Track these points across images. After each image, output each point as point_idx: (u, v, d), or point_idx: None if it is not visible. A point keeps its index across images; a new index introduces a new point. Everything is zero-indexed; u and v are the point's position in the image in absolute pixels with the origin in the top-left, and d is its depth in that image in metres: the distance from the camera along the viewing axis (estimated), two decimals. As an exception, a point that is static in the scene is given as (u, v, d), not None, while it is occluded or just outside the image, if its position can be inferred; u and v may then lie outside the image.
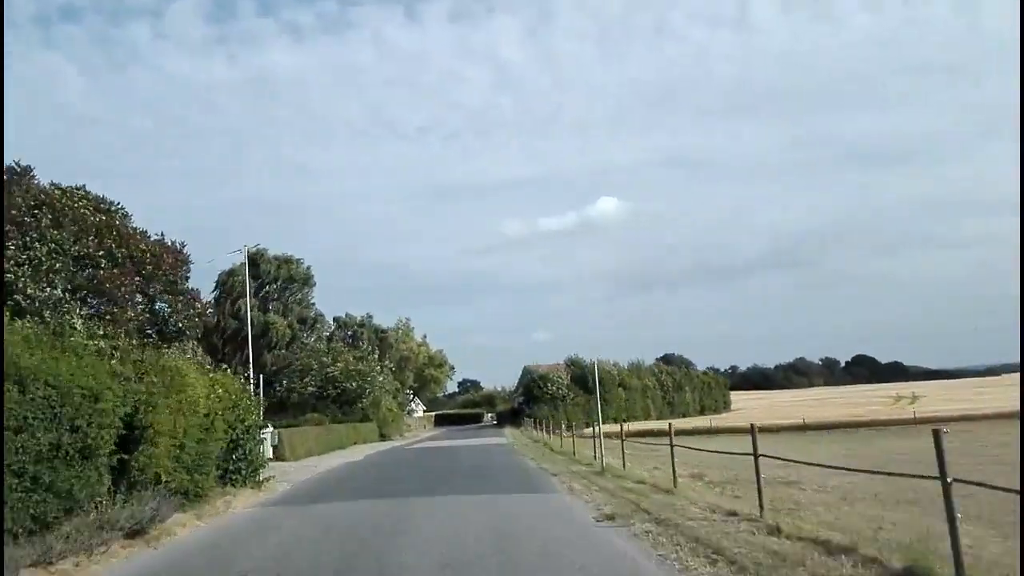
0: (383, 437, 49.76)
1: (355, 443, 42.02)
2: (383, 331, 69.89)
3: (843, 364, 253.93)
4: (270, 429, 27.14)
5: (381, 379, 51.08)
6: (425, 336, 77.88)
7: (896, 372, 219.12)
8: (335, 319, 70.03)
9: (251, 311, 54.41)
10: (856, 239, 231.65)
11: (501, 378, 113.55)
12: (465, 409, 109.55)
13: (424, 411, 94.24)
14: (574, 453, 23.89)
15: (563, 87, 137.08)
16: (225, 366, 20.55)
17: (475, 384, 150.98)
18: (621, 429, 22.09)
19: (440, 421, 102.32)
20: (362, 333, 68.19)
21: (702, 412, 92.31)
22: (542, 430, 46.53)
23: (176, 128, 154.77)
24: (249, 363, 37.98)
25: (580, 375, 71.40)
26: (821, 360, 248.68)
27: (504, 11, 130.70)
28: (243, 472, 15.47)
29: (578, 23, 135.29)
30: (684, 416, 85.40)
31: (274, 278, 55.78)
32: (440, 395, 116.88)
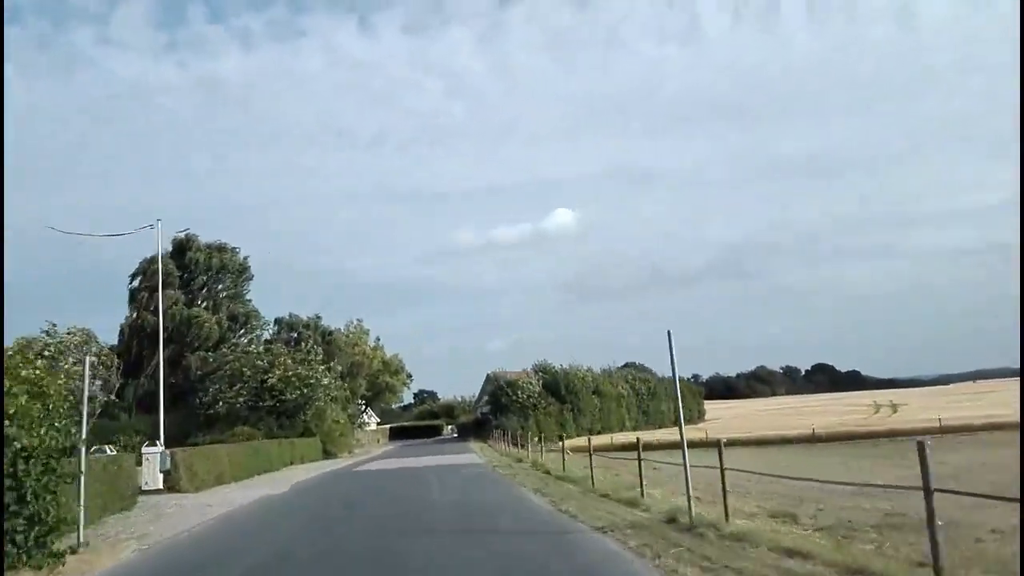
0: (328, 454, 41.91)
1: (291, 463, 34.17)
2: (331, 332, 61.89)
3: (803, 372, 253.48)
4: (158, 449, 19.42)
5: (326, 383, 43.22)
6: (379, 340, 70.06)
7: (855, 381, 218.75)
8: (277, 320, 61.87)
9: (175, 305, 45.99)
10: (796, 250, 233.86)
11: (457, 388, 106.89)
12: (423, 421, 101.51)
13: (378, 423, 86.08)
14: (592, 481, 16.75)
15: (516, 98, 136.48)
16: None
17: (432, 395, 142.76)
18: (639, 444, 15.29)
19: (396, 435, 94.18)
20: (308, 335, 60.07)
21: (675, 422, 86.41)
22: (514, 444, 39.58)
23: (120, 132, 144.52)
24: (161, 365, 29.91)
25: (551, 382, 64.57)
26: (782, 368, 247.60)
27: (458, 22, 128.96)
28: (22, 541, 7.97)
29: (530, 35, 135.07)
30: (660, 427, 79.26)
31: (204, 268, 47.52)
32: (395, 406, 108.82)
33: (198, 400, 42.64)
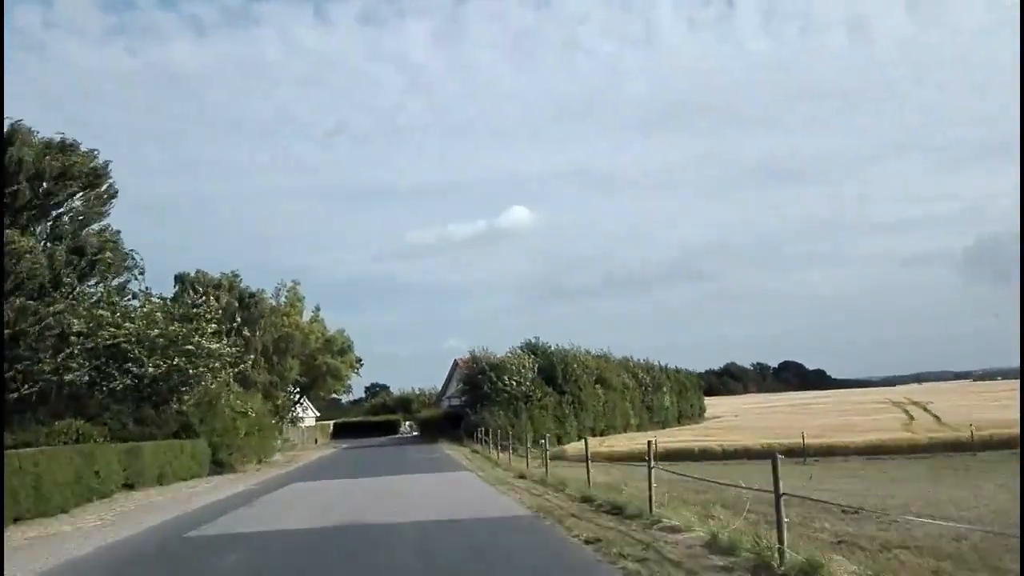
0: (220, 466, 25.56)
1: (131, 484, 17.92)
2: (252, 295, 45.27)
3: (772, 370, 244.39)
4: None
5: (217, 348, 26.66)
6: (319, 311, 53.53)
7: (822, 379, 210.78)
8: (179, 278, 44.89)
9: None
10: (753, 255, 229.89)
11: (415, 384, 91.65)
12: (375, 416, 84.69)
13: (318, 418, 69.25)
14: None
15: (475, 95, 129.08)
16: None
17: (385, 388, 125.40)
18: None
19: (341, 432, 77.55)
20: (218, 296, 43.40)
21: (679, 420, 72.06)
22: (501, 448, 24.57)
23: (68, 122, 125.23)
24: None
25: (546, 367, 49.10)
26: (752, 365, 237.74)
27: (416, 16, 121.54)
28: None
29: (489, 32, 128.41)
30: (663, 425, 64.79)
31: (34, 174, 30.35)
32: (345, 400, 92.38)
33: (13, 373, 25.78)
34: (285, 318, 49.06)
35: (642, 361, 69.69)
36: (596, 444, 44.36)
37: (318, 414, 66.88)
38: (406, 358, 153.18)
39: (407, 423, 77.13)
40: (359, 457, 38.05)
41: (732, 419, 75.41)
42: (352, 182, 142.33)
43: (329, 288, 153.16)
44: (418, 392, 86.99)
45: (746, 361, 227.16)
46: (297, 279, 51.49)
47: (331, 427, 79.97)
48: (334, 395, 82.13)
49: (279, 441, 43.67)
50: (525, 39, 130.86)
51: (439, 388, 79.56)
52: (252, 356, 40.38)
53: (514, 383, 45.27)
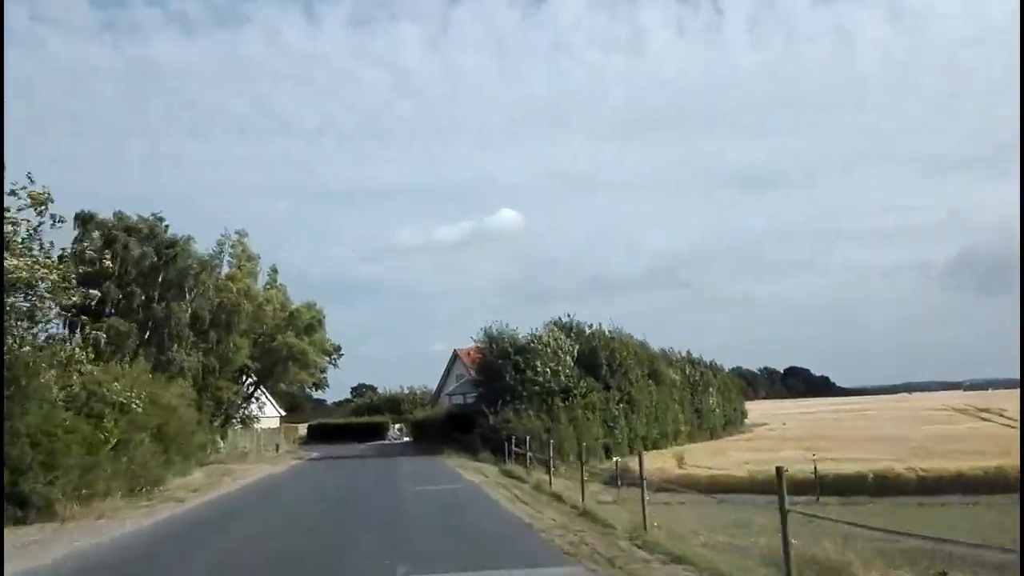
0: (23, 507, 12.43)
1: None
2: (175, 243, 32.01)
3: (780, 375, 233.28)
4: None
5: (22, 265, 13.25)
6: (276, 276, 40.40)
7: (827, 386, 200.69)
8: (80, 217, 31.54)
9: None
10: (728, 262, 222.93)
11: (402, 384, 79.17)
12: (358, 418, 71.14)
13: (283, 418, 55.79)
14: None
15: (461, 97, 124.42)
16: None
17: (372, 389, 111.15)
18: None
19: (317, 435, 64.24)
20: (127, 244, 30.45)
21: (724, 427, 59.21)
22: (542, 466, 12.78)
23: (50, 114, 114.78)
24: None
25: (585, 353, 36.07)
26: (760, 370, 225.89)
27: (405, 18, 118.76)
28: None
29: (477, 36, 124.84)
30: (712, 434, 52.25)
31: None
32: (323, 396, 79.40)
33: None
34: (231, 283, 35.85)
35: (684, 354, 56.72)
36: (667, 461, 31.62)
37: (282, 413, 53.44)
38: (393, 359, 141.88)
39: (396, 426, 63.90)
40: (323, 480, 25.04)
41: (781, 427, 62.76)
42: (335, 181, 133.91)
43: (311, 286, 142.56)
44: (407, 391, 73.55)
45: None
46: (244, 230, 37.94)
47: (302, 430, 66.74)
48: (308, 389, 69.24)
49: (211, 450, 30.60)
50: (511, 42, 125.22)
51: (434, 387, 66.57)
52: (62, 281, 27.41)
53: (548, 371, 32.19)
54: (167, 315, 30.33)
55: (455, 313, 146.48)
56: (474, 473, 22.51)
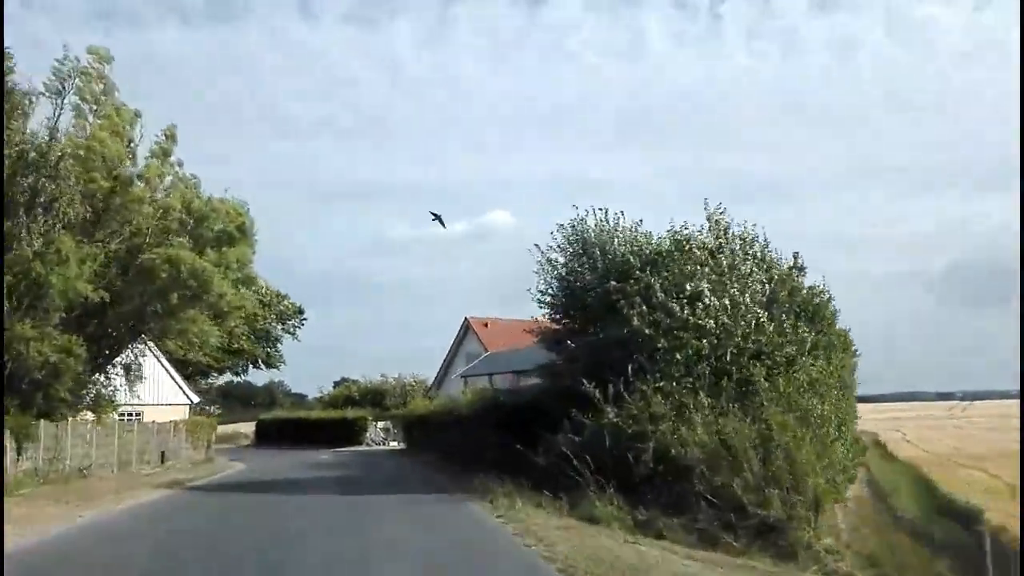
0: None
1: None
2: None
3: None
4: None
5: None
6: (172, 142, 21.98)
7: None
8: None
9: None
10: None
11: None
12: (329, 413, 51.09)
13: (194, 404, 35.22)
14: None
15: (458, 97, 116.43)
16: None
17: (355, 383, 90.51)
18: None
19: (269, 435, 45.97)
20: None
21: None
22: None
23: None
24: None
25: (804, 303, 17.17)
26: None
27: (403, 16, 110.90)
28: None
29: (475, 37, 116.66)
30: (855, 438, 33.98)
31: None
32: (278, 373, 61.41)
33: None
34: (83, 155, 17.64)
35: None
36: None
37: (195, 399, 33.87)
38: (383, 358, 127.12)
39: (379, 425, 45.30)
40: None
41: (894, 434, 45.20)
42: (329, 178, 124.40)
43: (304, 283, 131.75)
44: (393, 381, 54.32)
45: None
46: (108, 50, 19.49)
47: (245, 428, 48.44)
48: (252, 367, 51.23)
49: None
50: (509, 43, 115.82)
51: (434, 375, 48.18)
52: None
53: (741, 309, 14.00)
54: None
55: (447, 312, 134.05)
56: None
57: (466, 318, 44.06)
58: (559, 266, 17.36)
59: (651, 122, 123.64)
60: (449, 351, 45.13)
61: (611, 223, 16.88)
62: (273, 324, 45.86)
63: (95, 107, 20.02)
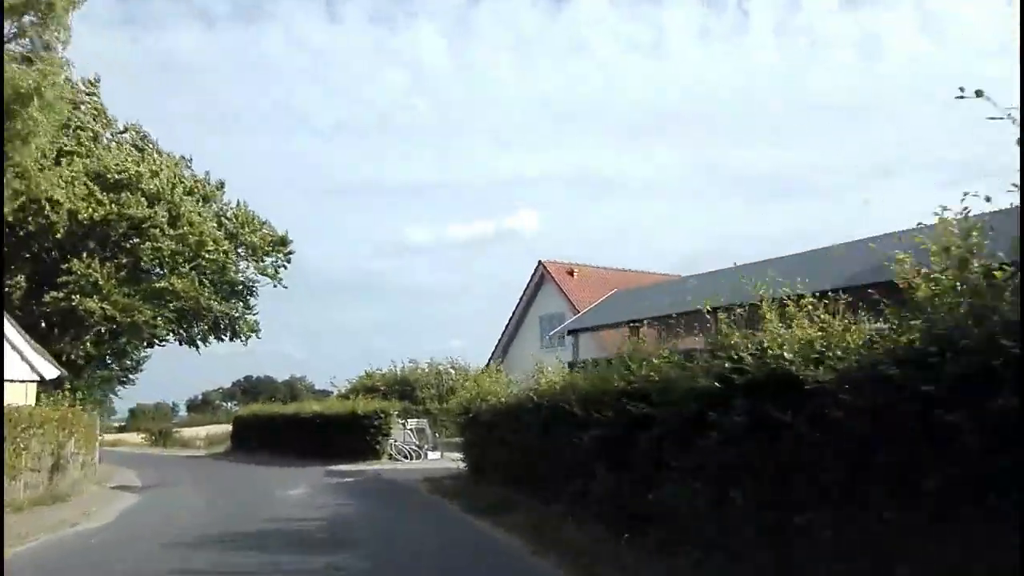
0: None
1: None
2: None
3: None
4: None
5: None
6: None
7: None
8: None
9: None
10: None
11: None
12: (330, 405, 33.77)
13: (60, 381, 19.91)
14: None
15: (479, 96, 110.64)
16: None
17: (380, 374, 74.68)
18: None
19: (249, 435, 31.80)
20: None
21: None
22: None
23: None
24: None
25: None
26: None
27: (425, 17, 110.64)
28: None
29: (497, 35, 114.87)
30: None
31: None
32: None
33: None
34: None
35: None
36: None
37: (50, 372, 18.48)
38: (405, 356, 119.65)
39: (409, 424, 28.61)
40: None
41: None
42: (349, 177, 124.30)
43: (321, 281, 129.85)
44: (426, 367, 36.20)
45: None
46: None
47: (216, 430, 34.18)
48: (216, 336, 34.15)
49: None
50: (531, 41, 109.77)
51: (491, 351, 32.96)
52: None
53: None
54: None
55: (468, 312, 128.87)
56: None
57: (541, 262, 29.15)
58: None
59: (674, 117, 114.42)
60: (514, 312, 30.21)
61: None
62: (242, 258, 29.44)
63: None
